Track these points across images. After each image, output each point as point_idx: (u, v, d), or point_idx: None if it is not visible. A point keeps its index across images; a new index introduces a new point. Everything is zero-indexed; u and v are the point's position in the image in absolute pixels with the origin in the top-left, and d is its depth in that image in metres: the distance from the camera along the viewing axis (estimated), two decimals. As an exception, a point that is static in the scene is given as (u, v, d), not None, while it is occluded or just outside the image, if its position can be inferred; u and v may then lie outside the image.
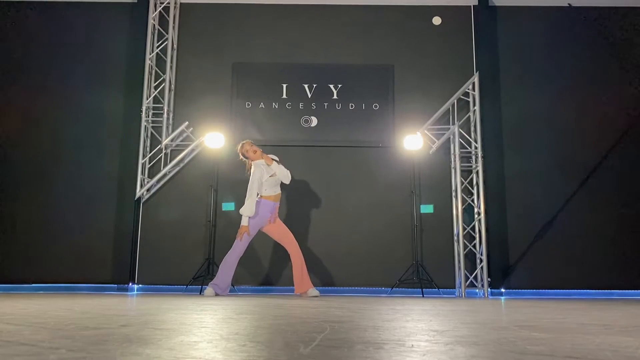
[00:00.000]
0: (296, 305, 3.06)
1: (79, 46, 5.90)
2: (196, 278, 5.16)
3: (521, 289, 5.41)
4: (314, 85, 5.81)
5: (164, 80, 5.78)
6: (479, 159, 5.45)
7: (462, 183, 5.46)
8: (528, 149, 5.68)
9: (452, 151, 5.56)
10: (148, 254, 5.45)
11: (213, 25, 5.98)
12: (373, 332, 1.58)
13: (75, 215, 5.50)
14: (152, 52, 5.83)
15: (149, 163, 5.65)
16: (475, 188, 5.50)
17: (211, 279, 4.75)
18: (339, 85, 5.81)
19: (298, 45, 5.94)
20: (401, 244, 5.44)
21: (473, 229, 5.42)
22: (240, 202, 4.65)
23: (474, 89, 5.61)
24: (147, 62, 5.76)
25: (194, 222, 5.51)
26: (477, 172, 5.47)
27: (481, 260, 5.26)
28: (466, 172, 5.59)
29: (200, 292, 4.96)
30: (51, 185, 5.58)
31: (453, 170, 5.54)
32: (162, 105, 5.71)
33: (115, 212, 5.53)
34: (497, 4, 5.99)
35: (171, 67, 5.83)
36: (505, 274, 5.41)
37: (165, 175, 5.59)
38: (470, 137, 5.61)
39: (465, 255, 5.29)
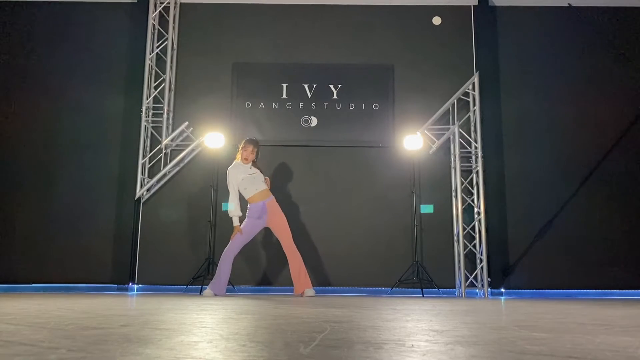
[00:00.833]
0: (296, 305, 3.06)
1: (79, 46, 5.90)
2: (196, 278, 5.16)
3: (521, 289, 5.41)
4: (314, 85, 5.81)
5: (164, 80, 5.78)
6: (479, 159, 5.45)
7: (462, 183, 5.46)
8: (528, 149, 5.68)
9: (452, 151, 5.56)
10: (148, 254, 5.45)
11: (213, 25, 5.98)
12: (373, 332, 1.58)
13: (76, 215, 5.50)
14: (152, 52, 5.83)
15: (149, 163, 5.65)
16: (475, 188, 5.50)
17: (211, 279, 4.75)
18: (339, 85, 5.81)
19: (298, 45, 5.94)
20: (401, 244, 5.44)
21: (473, 229, 5.42)
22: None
23: (474, 89, 5.61)
24: (147, 62, 5.76)
25: (194, 222, 5.51)
26: (477, 172, 5.47)
27: (481, 260, 5.26)
28: (466, 172, 5.59)
29: (200, 292, 4.96)
30: (51, 185, 5.58)
31: (453, 170, 5.54)
32: (162, 105, 5.72)
33: (115, 212, 5.53)
34: (497, 4, 5.99)
35: (171, 67, 5.83)
36: (505, 274, 5.40)
37: (165, 175, 5.59)
38: (470, 137, 5.61)
39: (465, 255, 5.29)
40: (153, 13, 5.89)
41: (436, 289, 5.24)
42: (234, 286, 5.22)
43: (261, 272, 5.43)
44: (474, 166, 5.55)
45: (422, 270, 5.24)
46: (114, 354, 1.09)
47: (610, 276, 5.36)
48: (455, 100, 5.60)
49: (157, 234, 5.50)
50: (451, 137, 5.55)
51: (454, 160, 5.51)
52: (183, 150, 5.60)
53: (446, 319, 2.17)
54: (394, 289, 5.24)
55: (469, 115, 5.67)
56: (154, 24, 5.90)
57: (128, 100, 5.75)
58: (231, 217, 4.64)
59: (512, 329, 1.76)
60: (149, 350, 1.14)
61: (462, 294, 5.14)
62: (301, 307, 2.87)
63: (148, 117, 5.69)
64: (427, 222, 5.50)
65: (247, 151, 4.70)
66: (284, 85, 5.82)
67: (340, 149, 5.69)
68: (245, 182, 4.62)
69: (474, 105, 5.60)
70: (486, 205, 5.39)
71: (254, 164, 4.77)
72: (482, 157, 5.48)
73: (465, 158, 5.61)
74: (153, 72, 5.84)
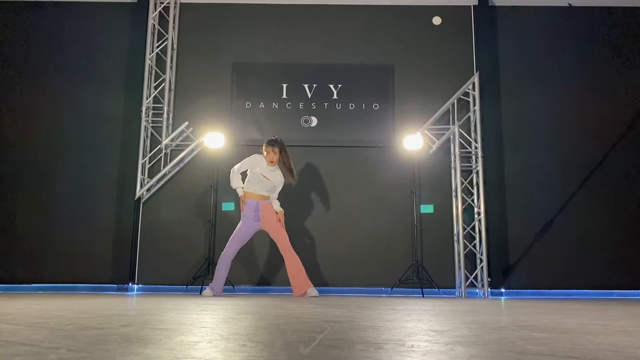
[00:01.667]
0: (296, 305, 3.06)
1: (79, 46, 5.90)
2: (196, 278, 5.16)
3: (521, 289, 5.41)
4: (314, 85, 5.81)
5: (164, 80, 5.79)
6: (479, 159, 5.45)
7: (462, 183, 5.46)
8: (528, 148, 5.68)
9: (452, 151, 5.56)
10: (148, 254, 5.45)
11: (213, 25, 5.98)
12: (373, 332, 1.58)
13: (75, 215, 5.50)
14: (152, 52, 5.83)
15: (149, 163, 5.65)
16: (475, 188, 5.50)
17: (211, 279, 4.76)
18: (339, 85, 5.81)
19: (298, 45, 5.94)
20: (401, 244, 5.44)
21: (473, 229, 5.42)
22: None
23: (474, 89, 5.61)
24: (147, 62, 5.77)
25: (194, 222, 5.51)
26: (477, 172, 5.47)
27: (481, 260, 5.26)
28: (466, 172, 5.59)
29: (200, 292, 4.97)
30: (51, 185, 5.58)
31: (453, 170, 5.54)
32: (162, 105, 5.72)
33: (115, 212, 5.53)
34: (497, 4, 5.99)
35: (171, 67, 5.83)
36: (505, 274, 5.41)
37: (165, 175, 5.59)
38: (470, 137, 5.61)
39: (465, 255, 5.29)
40: (153, 13, 5.89)
41: (436, 289, 5.24)
42: (234, 286, 5.22)
43: (261, 272, 5.43)
44: (474, 166, 5.55)
45: (422, 270, 5.24)
46: (114, 354, 1.09)
47: (610, 276, 5.36)
48: (455, 100, 5.60)
49: (157, 234, 5.50)
50: (451, 137, 5.55)
51: (454, 160, 5.51)
52: (183, 150, 5.60)
53: (446, 319, 2.17)
54: (394, 289, 5.24)
55: (469, 115, 5.67)
56: (154, 24, 5.90)
57: (128, 100, 5.75)
58: (235, 189, 4.65)
59: (512, 329, 1.76)
60: (149, 350, 1.14)
61: (462, 294, 5.14)
62: (301, 307, 2.87)
63: (148, 117, 5.69)
64: (427, 222, 5.50)
65: (270, 155, 4.64)
66: (284, 85, 5.82)
67: (340, 149, 5.70)
68: (255, 177, 4.59)
69: (474, 105, 5.60)
70: (486, 205, 5.39)
71: (286, 164, 4.69)
72: (482, 157, 5.48)
73: (465, 158, 5.61)
74: (153, 72, 5.84)
